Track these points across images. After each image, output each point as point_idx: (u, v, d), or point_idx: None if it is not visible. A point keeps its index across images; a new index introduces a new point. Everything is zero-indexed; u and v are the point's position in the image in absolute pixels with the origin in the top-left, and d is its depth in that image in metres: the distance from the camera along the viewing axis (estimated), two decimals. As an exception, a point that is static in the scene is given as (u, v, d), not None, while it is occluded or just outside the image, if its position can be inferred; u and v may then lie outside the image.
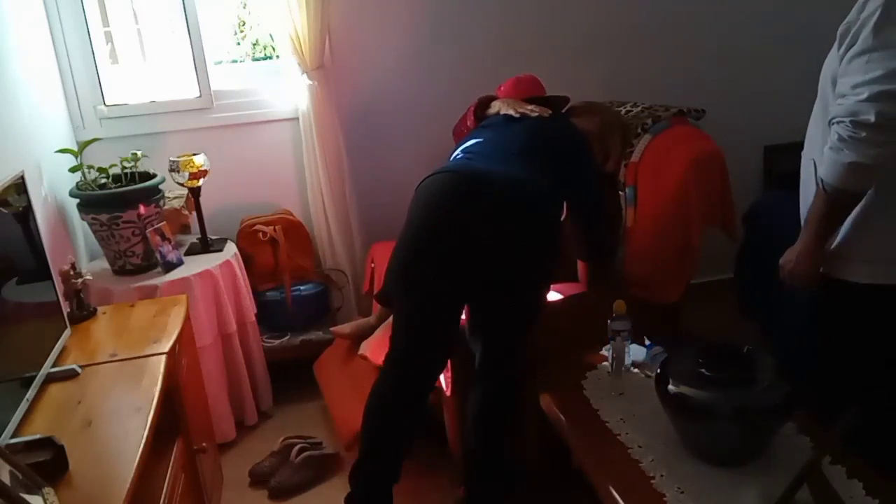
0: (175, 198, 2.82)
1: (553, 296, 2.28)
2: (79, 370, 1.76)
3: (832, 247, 1.72)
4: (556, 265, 2.02)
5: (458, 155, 2.11)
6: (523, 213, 1.90)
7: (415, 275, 1.94)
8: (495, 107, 2.28)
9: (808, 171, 1.80)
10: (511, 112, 2.19)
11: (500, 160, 1.99)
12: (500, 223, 1.86)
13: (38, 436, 1.44)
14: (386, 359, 2.03)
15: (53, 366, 1.75)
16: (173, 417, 1.86)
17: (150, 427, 1.52)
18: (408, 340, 1.98)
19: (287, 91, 2.97)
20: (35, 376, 1.65)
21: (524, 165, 1.97)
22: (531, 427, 2.15)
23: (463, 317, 2.04)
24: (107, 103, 2.88)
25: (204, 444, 2.04)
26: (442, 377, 2.20)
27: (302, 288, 2.99)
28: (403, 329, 1.99)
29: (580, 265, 2.41)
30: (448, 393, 2.21)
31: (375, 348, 2.42)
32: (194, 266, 2.57)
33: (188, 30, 2.88)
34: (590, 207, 2.20)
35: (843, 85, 1.58)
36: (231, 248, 2.77)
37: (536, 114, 2.16)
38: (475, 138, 2.14)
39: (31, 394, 1.61)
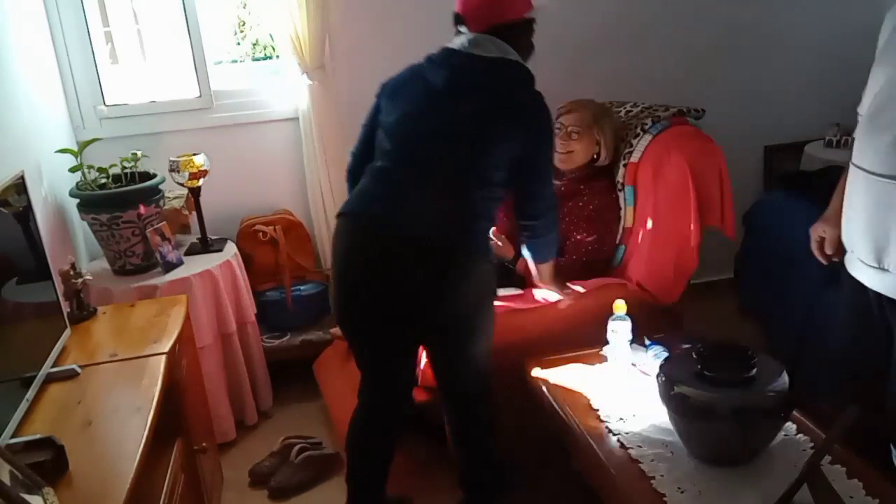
0: (175, 198, 2.82)
1: (552, 296, 2.28)
2: (79, 370, 1.76)
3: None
4: (488, 292, 1.96)
5: (377, 159, 1.95)
6: (437, 261, 1.81)
7: (349, 326, 1.99)
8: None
9: (889, 193, 1.56)
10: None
11: (420, 177, 1.87)
12: (412, 273, 1.80)
13: (38, 436, 1.43)
14: (359, 388, 2.07)
15: (53, 366, 1.75)
16: (173, 417, 1.86)
17: (150, 427, 1.52)
18: (366, 377, 2.04)
19: (287, 91, 2.97)
20: (35, 376, 1.65)
21: (449, 179, 1.85)
22: (525, 426, 2.14)
23: None
24: (107, 103, 2.89)
25: (204, 444, 2.04)
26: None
27: (302, 288, 2.99)
28: (360, 366, 2.04)
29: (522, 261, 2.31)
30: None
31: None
32: (194, 266, 2.57)
33: (188, 30, 2.88)
34: (529, 172, 1.96)
35: None
36: (231, 248, 2.77)
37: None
38: (399, 120, 1.95)
39: (31, 394, 1.61)
